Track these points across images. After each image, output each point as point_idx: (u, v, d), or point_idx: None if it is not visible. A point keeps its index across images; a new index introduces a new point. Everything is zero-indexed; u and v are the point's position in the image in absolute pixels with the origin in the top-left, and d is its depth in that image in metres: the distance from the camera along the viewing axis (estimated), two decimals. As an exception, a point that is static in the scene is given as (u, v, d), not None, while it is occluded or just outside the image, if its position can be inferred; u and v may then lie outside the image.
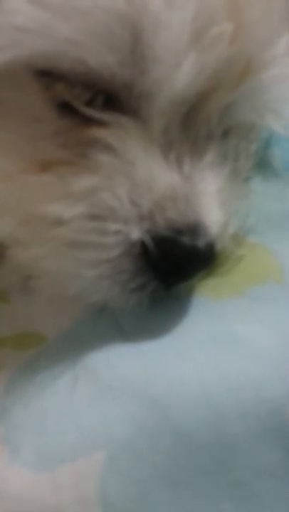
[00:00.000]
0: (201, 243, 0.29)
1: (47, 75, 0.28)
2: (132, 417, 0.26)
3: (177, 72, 0.28)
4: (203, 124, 0.31)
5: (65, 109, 0.29)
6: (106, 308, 0.31)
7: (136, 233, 0.28)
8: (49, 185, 0.28)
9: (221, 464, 0.25)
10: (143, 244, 0.29)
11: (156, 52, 0.27)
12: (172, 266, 0.29)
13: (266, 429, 0.26)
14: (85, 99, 0.28)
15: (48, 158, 0.29)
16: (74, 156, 0.29)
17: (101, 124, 0.29)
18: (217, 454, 0.25)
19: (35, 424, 0.27)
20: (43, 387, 0.28)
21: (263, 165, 0.37)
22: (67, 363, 0.29)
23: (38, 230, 0.29)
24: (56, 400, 0.27)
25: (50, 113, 0.29)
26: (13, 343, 0.31)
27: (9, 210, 0.29)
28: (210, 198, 0.31)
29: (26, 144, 0.29)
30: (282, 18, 0.32)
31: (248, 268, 0.32)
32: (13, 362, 0.30)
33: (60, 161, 0.29)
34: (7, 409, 0.28)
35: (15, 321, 0.32)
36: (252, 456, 0.25)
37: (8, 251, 0.31)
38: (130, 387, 0.27)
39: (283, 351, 0.28)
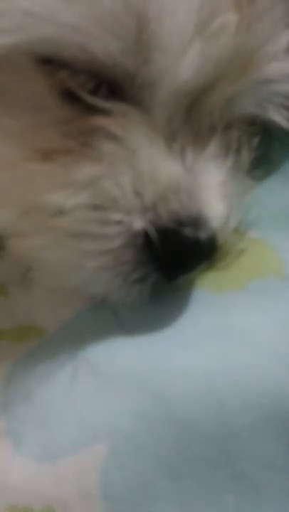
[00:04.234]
0: (203, 235, 0.29)
1: (50, 63, 0.28)
2: (133, 409, 0.26)
3: (181, 61, 0.28)
4: (206, 116, 0.31)
5: (68, 97, 0.29)
6: (106, 301, 0.30)
7: (139, 223, 0.28)
8: (51, 174, 0.28)
9: (223, 456, 0.25)
10: (145, 235, 0.28)
11: (160, 41, 0.27)
12: (174, 258, 0.29)
13: (269, 421, 0.25)
14: (89, 88, 0.28)
15: (50, 146, 0.28)
16: (77, 145, 0.28)
17: (104, 113, 0.28)
18: (219, 445, 0.25)
19: (38, 416, 0.27)
20: (43, 380, 0.28)
21: (263, 159, 0.37)
22: (68, 356, 0.28)
23: (39, 220, 0.28)
24: (57, 393, 0.27)
25: (53, 101, 0.29)
26: (12, 337, 0.31)
27: (10, 199, 0.29)
28: (212, 191, 0.31)
29: (29, 132, 0.29)
30: (285, 13, 0.32)
31: (248, 262, 0.32)
32: (13, 354, 0.30)
33: (62, 150, 0.28)
34: (9, 401, 0.28)
35: (13, 315, 0.32)
36: (254, 448, 0.25)
37: (8, 242, 0.30)
38: (131, 379, 0.27)
39: (285, 344, 0.28)
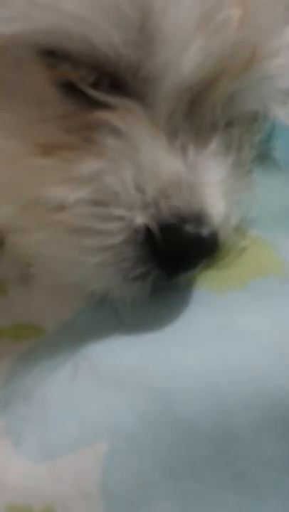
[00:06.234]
0: (205, 232, 0.29)
1: (52, 55, 0.28)
2: (133, 408, 0.26)
3: (184, 55, 0.27)
4: (208, 112, 0.31)
5: (70, 91, 0.28)
6: (106, 299, 0.30)
7: (140, 219, 0.28)
8: (52, 169, 0.28)
9: (224, 456, 0.25)
10: (147, 231, 0.28)
11: (163, 34, 0.27)
12: (175, 254, 0.29)
13: (269, 421, 0.25)
14: (90, 81, 0.28)
15: (52, 141, 0.28)
16: (78, 140, 0.28)
17: (106, 107, 0.28)
18: (220, 445, 0.25)
19: (37, 415, 0.26)
20: (43, 378, 0.28)
21: (264, 158, 0.37)
22: (67, 354, 0.28)
23: (40, 215, 0.28)
24: (57, 392, 0.27)
25: (54, 95, 0.28)
26: (11, 335, 0.31)
27: (11, 194, 0.29)
28: (214, 188, 0.31)
29: (30, 126, 0.28)
30: (287, 9, 0.32)
31: (249, 261, 0.32)
32: (12, 353, 0.29)
33: (64, 144, 0.28)
34: (9, 400, 0.27)
35: (13, 313, 0.32)
36: (254, 448, 0.25)
37: (8, 239, 0.30)
38: (131, 378, 0.27)
39: (285, 344, 0.28)
